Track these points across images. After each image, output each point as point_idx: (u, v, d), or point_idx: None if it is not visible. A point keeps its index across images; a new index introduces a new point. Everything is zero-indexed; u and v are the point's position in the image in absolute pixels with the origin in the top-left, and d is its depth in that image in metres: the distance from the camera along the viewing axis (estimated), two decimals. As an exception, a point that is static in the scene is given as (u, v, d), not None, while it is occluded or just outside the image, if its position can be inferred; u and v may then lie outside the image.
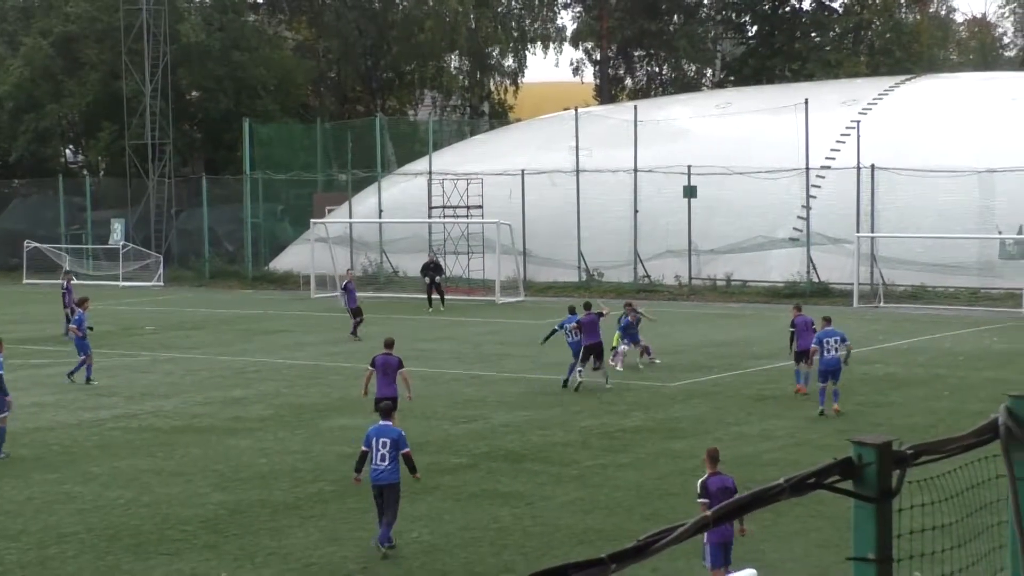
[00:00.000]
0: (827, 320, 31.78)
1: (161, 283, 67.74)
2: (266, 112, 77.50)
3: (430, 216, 63.69)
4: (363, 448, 20.19)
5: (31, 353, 39.41)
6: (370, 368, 26.89)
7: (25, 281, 69.89)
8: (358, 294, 46.23)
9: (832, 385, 30.07)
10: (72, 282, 48.93)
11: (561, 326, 34.39)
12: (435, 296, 53.29)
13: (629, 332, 36.49)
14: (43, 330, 45.15)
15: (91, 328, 36.33)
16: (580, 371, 33.15)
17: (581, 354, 32.91)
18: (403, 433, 20.15)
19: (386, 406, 21.26)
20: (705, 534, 16.54)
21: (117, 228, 72.63)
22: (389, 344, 27.54)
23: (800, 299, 47.99)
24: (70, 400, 32.06)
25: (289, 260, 68.05)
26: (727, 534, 16.56)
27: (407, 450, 19.82)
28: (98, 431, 29.11)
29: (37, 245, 71.88)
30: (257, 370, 37.63)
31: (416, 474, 20.21)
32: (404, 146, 75.08)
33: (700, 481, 17.19)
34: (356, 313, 44.04)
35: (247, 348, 42.71)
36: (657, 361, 36.62)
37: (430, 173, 65.12)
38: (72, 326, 36.78)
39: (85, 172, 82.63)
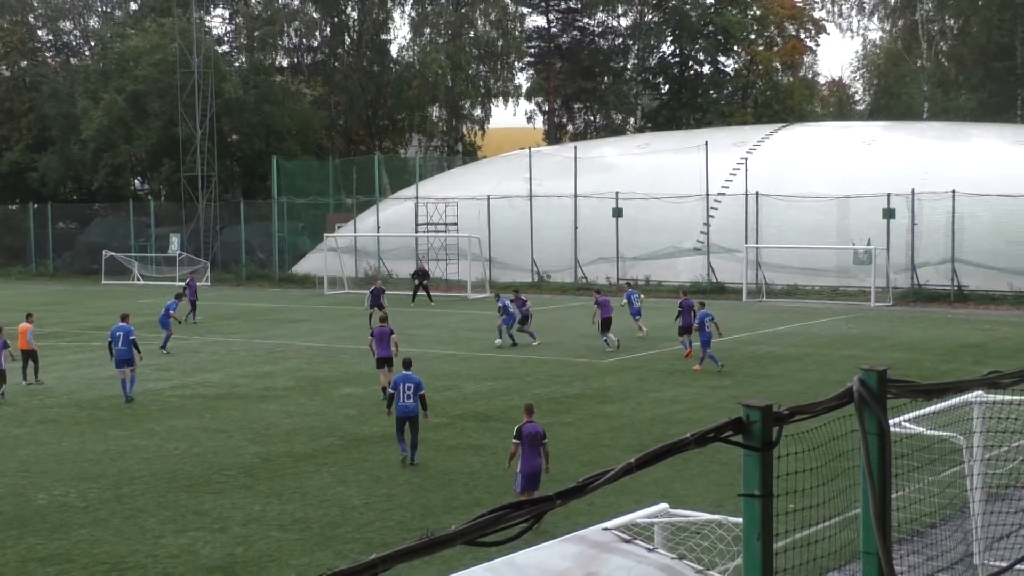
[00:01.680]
0: (702, 304, 33.38)
1: (208, 283, 67.32)
2: (290, 151, 77.18)
3: (417, 231, 63.61)
4: (390, 391, 21.63)
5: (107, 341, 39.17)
6: (371, 336, 28.64)
7: (103, 282, 69.43)
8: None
9: (702, 351, 31.74)
10: (195, 281, 49.56)
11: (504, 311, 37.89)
12: (421, 294, 53.17)
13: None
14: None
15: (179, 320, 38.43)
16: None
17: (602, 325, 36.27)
18: (421, 380, 21.49)
19: (407, 360, 22.60)
20: (518, 467, 17.13)
21: (174, 241, 72.22)
22: (384, 319, 29.67)
23: (702, 295, 48.32)
24: (137, 374, 31.85)
25: (308, 265, 67.81)
26: (536, 467, 17.11)
27: (423, 392, 21.26)
28: (159, 397, 28.99)
29: (113, 254, 71.44)
30: (283, 351, 37.49)
31: (426, 412, 21.42)
32: (397, 177, 74.87)
33: (516, 427, 17.53)
34: (379, 307, 43.17)
35: (275, 333, 42.52)
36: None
37: (417, 198, 65.04)
38: (172, 312, 37.79)
39: (149, 197, 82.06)
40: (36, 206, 78.63)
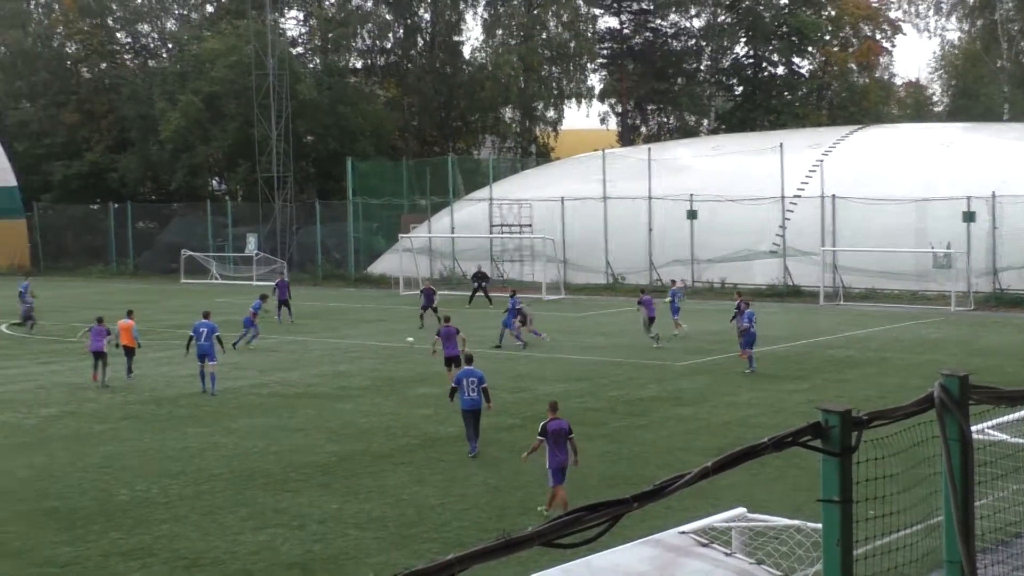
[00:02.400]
0: (747, 303, 33.22)
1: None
2: (364, 152, 77.69)
3: (491, 232, 63.77)
4: (453, 385, 22.48)
5: (187, 336, 39.66)
6: (437, 337, 29.95)
7: (182, 281, 70.37)
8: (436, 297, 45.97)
9: (748, 351, 31.84)
10: (285, 281, 50.20)
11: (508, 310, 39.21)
12: (479, 295, 53.26)
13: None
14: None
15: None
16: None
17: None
18: (483, 374, 22.29)
19: (468, 356, 23.92)
20: (547, 461, 17.68)
21: (251, 241, 72.95)
22: (447, 319, 31.42)
23: (778, 299, 48.03)
24: (217, 372, 32.24)
25: (383, 266, 68.20)
26: (563, 462, 17.65)
27: (486, 384, 22.00)
28: (237, 396, 29.36)
29: (191, 254, 72.35)
30: (358, 350, 37.78)
31: (489, 403, 22.12)
32: (470, 178, 75.07)
33: (542, 424, 17.83)
34: (433, 309, 43.56)
35: (351, 333, 42.86)
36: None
37: (491, 199, 65.20)
38: (256, 312, 39.29)
39: (227, 198, 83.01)
40: (116, 206, 79.92)
